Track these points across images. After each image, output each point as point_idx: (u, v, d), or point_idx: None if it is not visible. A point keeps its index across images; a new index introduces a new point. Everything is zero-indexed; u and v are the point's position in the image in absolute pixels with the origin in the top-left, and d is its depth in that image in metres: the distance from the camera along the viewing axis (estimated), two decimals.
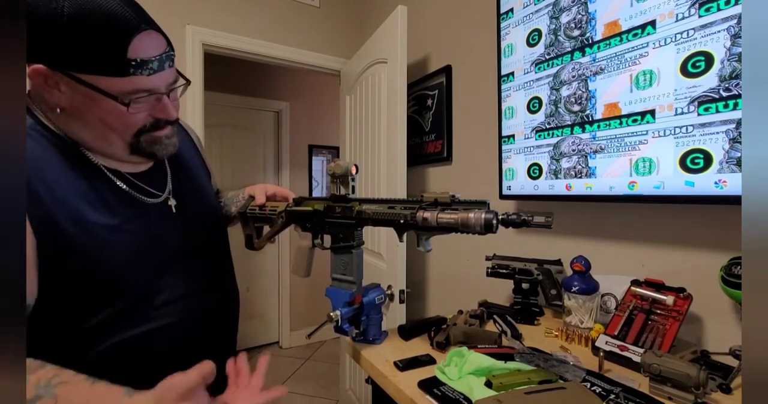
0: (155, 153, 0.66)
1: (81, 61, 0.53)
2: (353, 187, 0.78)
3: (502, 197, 1.28)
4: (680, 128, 0.82)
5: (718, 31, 0.76)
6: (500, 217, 0.59)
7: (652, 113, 0.87)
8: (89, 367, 0.54)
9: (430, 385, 0.69)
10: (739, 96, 0.74)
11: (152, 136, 0.64)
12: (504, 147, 1.26)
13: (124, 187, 0.64)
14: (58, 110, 0.57)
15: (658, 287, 0.84)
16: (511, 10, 1.21)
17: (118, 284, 0.60)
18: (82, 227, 0.57)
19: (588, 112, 1.01)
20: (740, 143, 0.74)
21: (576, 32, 1.03)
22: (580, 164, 1.03)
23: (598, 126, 0.98)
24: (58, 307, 0.57)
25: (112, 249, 0.59)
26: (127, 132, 0.61)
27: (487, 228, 0.58)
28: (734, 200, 0.75)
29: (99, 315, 0.59)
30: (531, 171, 1.17)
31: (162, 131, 0.65)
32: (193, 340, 0.69)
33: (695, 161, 0.81)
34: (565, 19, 1.05)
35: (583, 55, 1.01)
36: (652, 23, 0.87)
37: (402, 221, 0.67)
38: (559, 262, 1.11)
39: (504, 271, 1.13)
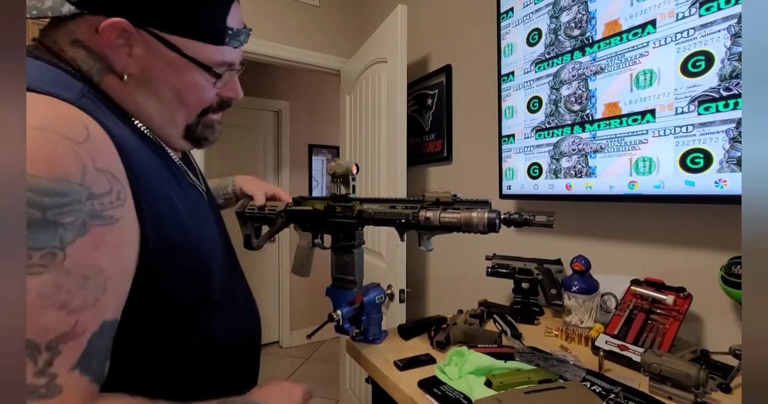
0: (207, 138, 0.59)
1: (177, 20, 0.46)
2: (354, 186, 0.78)
3: (503, 196, 1.28)
4: (680, 127, 0.82)
5: (719, 31, 0.76)
6: (502, 216, 0.59)
7: (653, 112, 0.87)
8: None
9: (430, 385, 0.69)
10: (739, 95, 0.74)
11: (210, 118, 0.58)
12: (504, 147, 1.26)
13: (192, 177, 0.56)
14: (125, 77, 0.47)
15: (658, 286, 0.84)
16: (511, 9, 1.21)
17: (207, 284, 0.51)
18: (180, 220, 0.47)
19: (588, 111, 1.01)
20: (740, 142, 0.74)
21: (576, 32, 1.03)
22: (580, 164, 1.03)
23: (598, 126, 0.98)
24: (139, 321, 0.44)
25: (203, 244, 0.51)
26: (195, 110, 0.55)
27: (490, 227, 0.58)
28: (734, 200, 0.75)
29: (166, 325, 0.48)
30: (531, 171, 1.17)
31: (219, 114, 0.60)
32: (245, 341, 0.61)
33: (695, 160, 0.81)
34: (565, 18, 1.05)
35: (583, 55, 1.01)
36: (653, 22, 0.87)
37: (403, 221, 0.67)
38: (559, 262, 1.11)
39: (504, 271, 1.13)
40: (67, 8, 0.43)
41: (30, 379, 0.29)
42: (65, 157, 0.34)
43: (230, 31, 0.51)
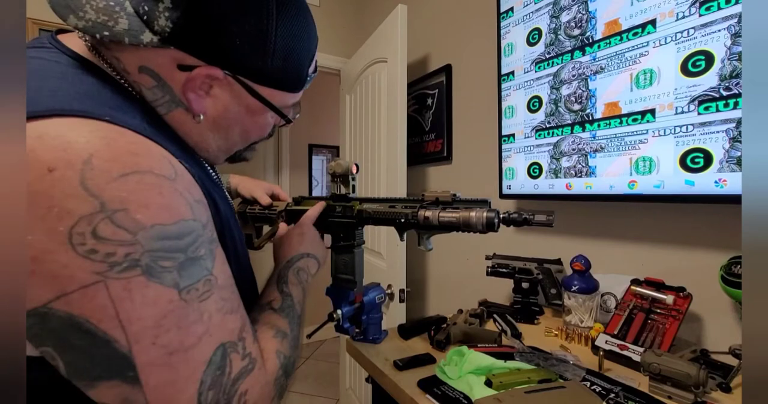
0: (246, 158, 0.60)
1: (268, 73, 0.45)
2: (354, 186, 0.78)
3: (503, 196, 1.28)
4: (680, 127, 0.82)
5: (719, 30, 0.76)
6: (502, 216, 0.59)
7: (653, 112, 0.87)
8: None
9: (430, 384, 0.69)
10: (739, 95, 0.74)
11: (257, 143, 0.58)
12: (504, 146, 1.26)
13: (226, 192, 0.57)
14: (201, 117, 0.45)
15: (658, 286, 0.84)
16: (512, 9, 1.21)
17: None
18: (239, 245, 0.50)
19: (588, 111, 1.01)
20: (740, 142, 0.74)
21: (576, 31, 1.03)
22: (580, 164, 1.03)
23: (598, 125, 0.98)
24: None
25: (248, 265, 0.54)
26: (251, 141, 0.55)
27: (489, 227, 0.58)
28: (734, 200, 0.76)
29: None
30: (531, 170, 1.17)
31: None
32: None
33: (695, 160, 0.81)
34: (565, 18, 1.05)
35: (584, 54, 1.01)
36: (653, 22, 0.87)
37: (403, 220, 0.67)
38: (559, 261, 1.11)
39: (504, 270, 1.13)
40: (149, 38, 0.39)
41: (239, 364, 0.39)
42: (173, 198, 0.35)
43: (308, 78, 0.51)
